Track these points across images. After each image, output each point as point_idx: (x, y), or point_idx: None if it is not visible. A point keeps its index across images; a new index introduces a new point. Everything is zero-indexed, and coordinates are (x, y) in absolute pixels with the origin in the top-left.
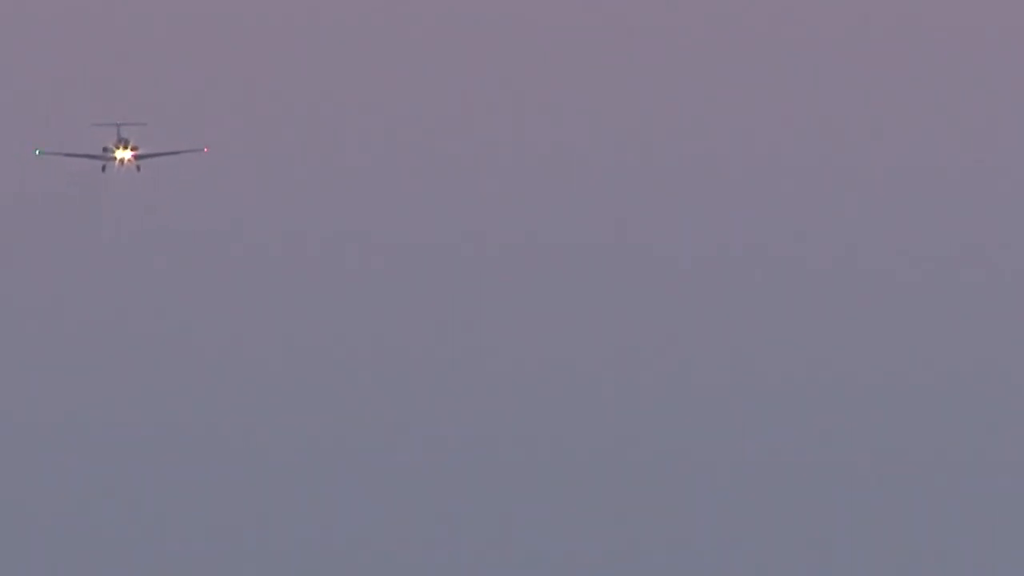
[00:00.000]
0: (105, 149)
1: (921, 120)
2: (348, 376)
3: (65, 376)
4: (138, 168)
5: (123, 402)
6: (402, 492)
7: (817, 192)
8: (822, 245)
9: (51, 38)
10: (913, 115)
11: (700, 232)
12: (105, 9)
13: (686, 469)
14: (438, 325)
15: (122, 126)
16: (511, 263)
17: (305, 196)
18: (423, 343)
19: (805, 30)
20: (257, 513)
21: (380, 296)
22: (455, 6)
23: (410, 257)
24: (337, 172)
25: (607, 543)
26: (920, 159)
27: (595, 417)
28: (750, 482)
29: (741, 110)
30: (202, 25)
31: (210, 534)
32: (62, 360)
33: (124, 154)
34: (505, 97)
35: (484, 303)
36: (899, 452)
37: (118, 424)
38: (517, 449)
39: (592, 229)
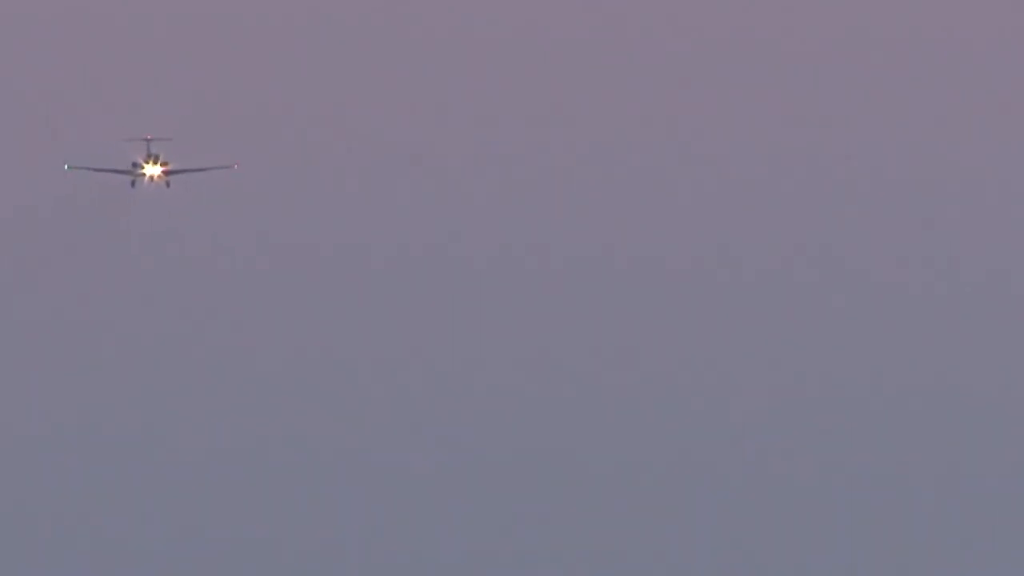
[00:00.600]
0: (134, 164)
1: (920, 121)
2: (371, 382)
3: (91, 388)
4: (168, 184)
5: (148, 411)
6: (401, 493)
7: (818, 191)
8: (821, 247)
9: (81, 52)
10: (912, 116)
11: (698, 236)
12: (136, 23)
13: (684, 472)
14: (462, 330)
15: (152, 141)
16: (514, 269)
17: (335, 211)
18: (444, 350)
19: (806, 33)
20: (257, 512)
21: (409, 307)
22: (476, 13)
23: (440, 268)
24: (368, 187)
25: (606, 542)
26: (918, 160)
27: (594, 419)
28: (749, 485)
29: (741, 112)
30: (236, 40)
31: (209, 533)
32: (89, 374)
33: (154, 170)
34: (512, 104)
35: (489, 308)
36: (898, 453)
37: (143, 430)
38: (515, 451)
39: (591, 234)
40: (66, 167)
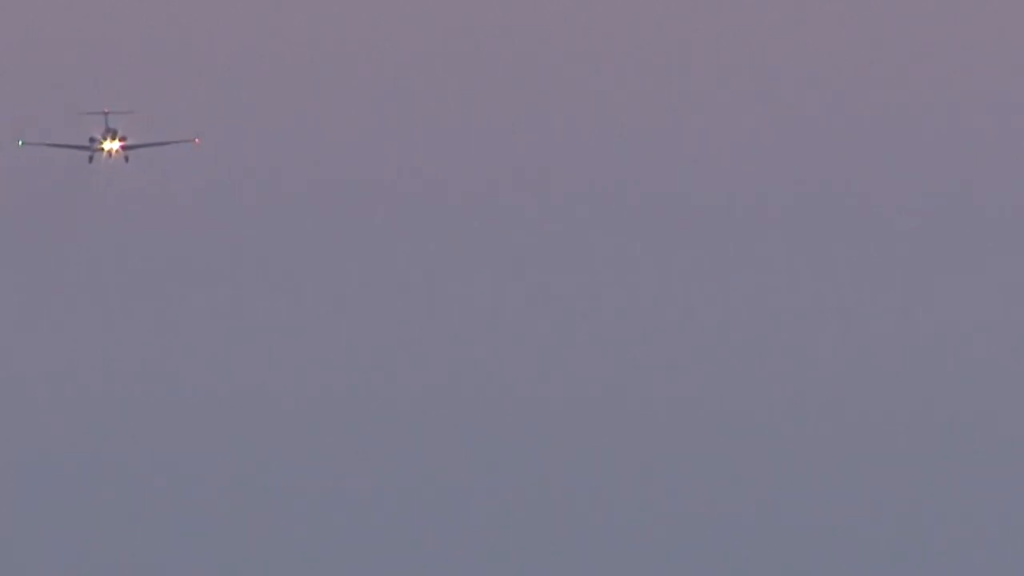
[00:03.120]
0: (92, 140)
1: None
2: (342, 358)
3: (43, 371)
4: (126, 159)
5: (108, 395)
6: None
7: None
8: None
9: (35, 19)
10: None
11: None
12: None
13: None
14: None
15: (110, 115)
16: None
17: (300, 188)
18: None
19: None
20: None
21: (375, 291)
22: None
23: (415, 230)
24: (333, 163)
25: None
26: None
27: (594, 423)
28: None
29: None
30: (201, 8)
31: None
32: (42, 357)
33: (112, 145)
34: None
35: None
36: (899, 453)
37: (99, 412)
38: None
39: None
40: (20, 143)
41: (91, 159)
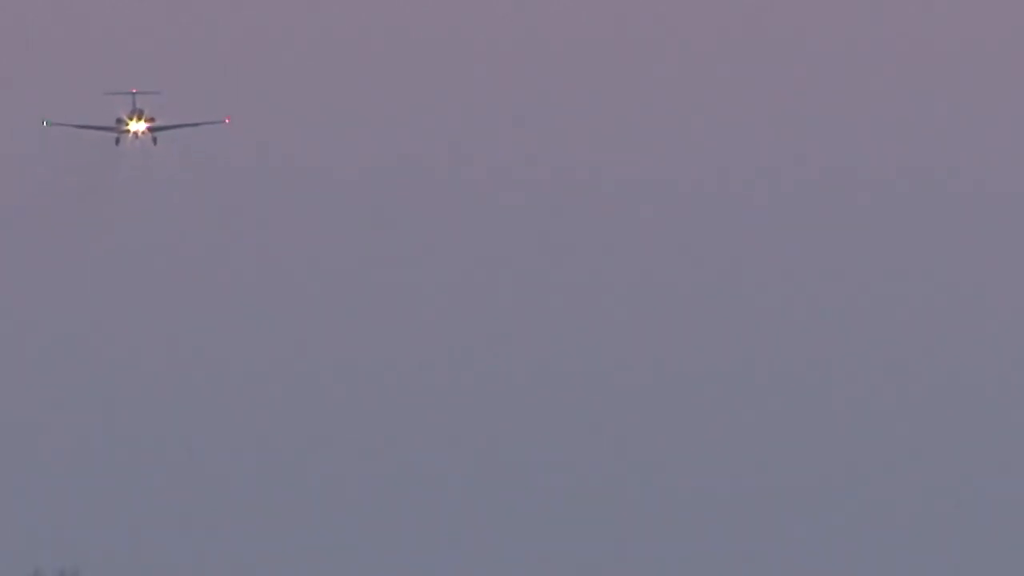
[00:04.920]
0: (119, 120)
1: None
2: (368, 340)
3: (68, 356)
4: (154, 141)
5: (130, 379)
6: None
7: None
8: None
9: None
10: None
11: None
12: None
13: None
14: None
15: (138, 95)
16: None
17: (331, 169)
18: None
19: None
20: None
21: (406, 270)
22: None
23: (441, 212)
24: (368, 143)
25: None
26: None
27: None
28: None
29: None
30: None
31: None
32: (67, 343)
33: (138, 126)
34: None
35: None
36: (897, 455)
37: (125, 397)
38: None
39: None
40: (45, 123)
41: (117, 141)
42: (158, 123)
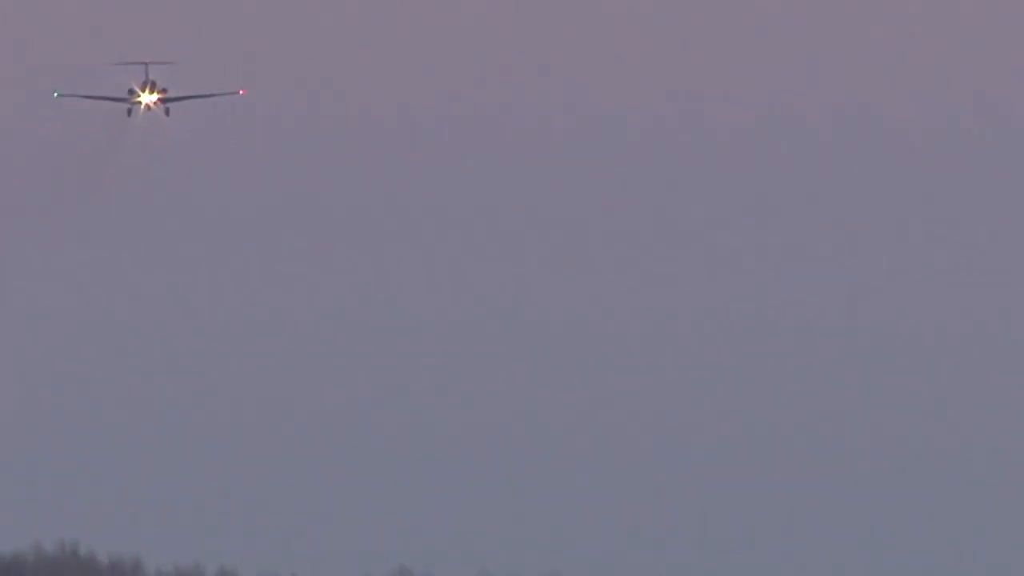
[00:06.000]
0: (131, 91)
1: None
2: (377, 317)
3: (77, 330)
4: (167, 112)
5: (138, 349)
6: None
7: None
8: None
9: None
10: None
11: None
12: None
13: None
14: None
15: (151, 65)
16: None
17: (348, 141)
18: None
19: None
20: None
21: (418, 242)
22: None
23: (450, 197)
24: (383, 115)
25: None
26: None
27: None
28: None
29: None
30: None
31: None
32: (79, 314)
33: (149, 98)
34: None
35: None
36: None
37: (132, 370)
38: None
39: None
40: (56, 94)
41: (129, 112)
42: (171, 94)
